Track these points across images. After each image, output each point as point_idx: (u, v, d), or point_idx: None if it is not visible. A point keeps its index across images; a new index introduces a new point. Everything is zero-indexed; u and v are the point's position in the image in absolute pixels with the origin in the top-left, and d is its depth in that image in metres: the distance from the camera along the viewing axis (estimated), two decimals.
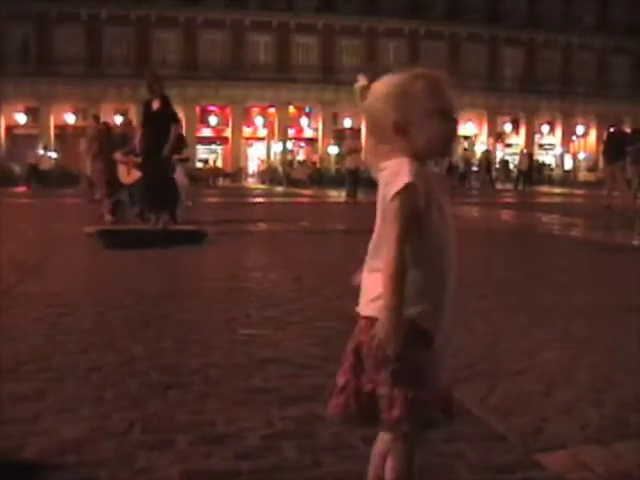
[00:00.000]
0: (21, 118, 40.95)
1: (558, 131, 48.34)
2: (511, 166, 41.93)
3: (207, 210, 14.43)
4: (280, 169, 41.17)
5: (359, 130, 32.30)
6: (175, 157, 10.30)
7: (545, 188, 34.35)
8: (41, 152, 35.34)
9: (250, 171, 45.39)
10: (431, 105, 1.55)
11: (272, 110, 43.32)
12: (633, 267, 6.56)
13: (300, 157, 45.46)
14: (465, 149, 43.55)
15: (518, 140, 46.93)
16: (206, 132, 43.66)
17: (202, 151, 43.19)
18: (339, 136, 39.86)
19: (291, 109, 43.53)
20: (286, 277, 5.75)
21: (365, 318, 1.57)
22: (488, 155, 36.83)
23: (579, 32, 45.56)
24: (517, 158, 37.59)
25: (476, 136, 46.46)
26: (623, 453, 2.19)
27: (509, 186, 33.82)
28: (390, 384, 1.53)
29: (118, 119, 37.96)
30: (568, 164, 48.53)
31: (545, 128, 48.10)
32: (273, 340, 3.57)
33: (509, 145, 47.47)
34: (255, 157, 45.73)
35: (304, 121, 44.62)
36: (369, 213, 1.63)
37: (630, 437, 2.32)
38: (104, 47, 41.03)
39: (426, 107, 1.55)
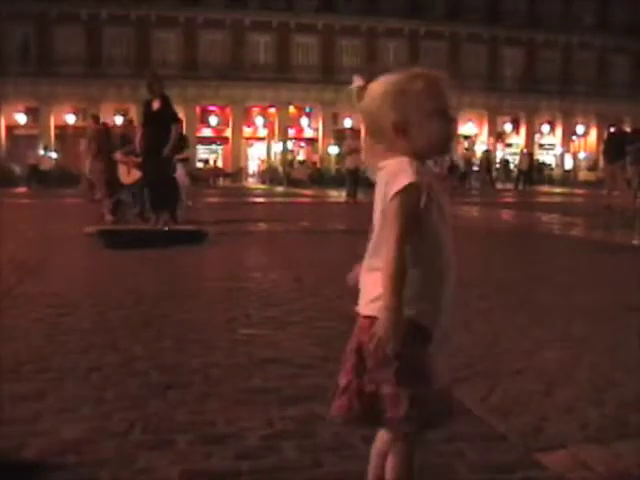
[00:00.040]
0: (21, 118, 40.96)
1: (558, 131, 48.34)
2: (511, 166, 41.92)
3: (207, 210, 14.43)
4: (280, 169, 41.18)
5: (359, 130, 32.26)
6: (175, 157, 10.30)
7: (545, 188, 34.35)
8: (41, 152, 35.36)
9: (250, 171, 45.40)
10: (430, 105, 1.55)
11: (272, 110, 43.33)
12: (633, 267, 6.55)
13: (300, 157, 45.47)
14: (466, 149, 43.58)
15: (518, 140, 46.94)
16: (206, 132, 43.67)
17: (202, 151, 43.19)
18: (339, 136, 39.84)
19: (291, 109, 43.53)
20: (286, 277, 5.75)
21: (365, 318, 1.57)
22: (488, 155, 36.83)
23: (579, 32, 45.56)
24: (517, 158, 37.59)
25: (476, 136, 46.48)
26: (623, 452, 2.19)
27: (509, 186, 33.81)
28: (393, 383, 1.53)
29: (118, 119, 38.09)
30: (568, 164, 48.53)
31: (545, 128, 48.11)
32: (273, 340, 3.57)
33: (509, 145, 47.48)
34: (255, 157, 45.73)
35: (304, 121, 44.63)
36: (369, 213, 1.63)
37: (630, 437, 2.32)
38: (104, 47, 41.04)
39: (425, 107, 1.55)
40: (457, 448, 2.19)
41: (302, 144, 46.00)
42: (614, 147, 15.30)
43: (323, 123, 43.79)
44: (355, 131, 28.14)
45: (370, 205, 1.61)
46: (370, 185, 1.61)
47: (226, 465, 2.09)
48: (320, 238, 9.46)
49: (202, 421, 2.43)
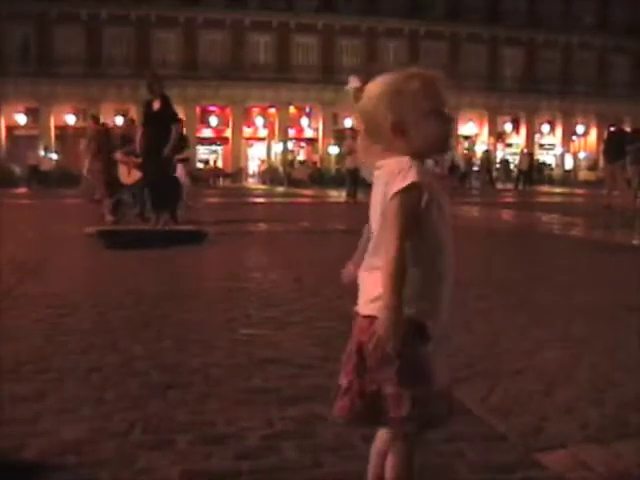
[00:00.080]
0: (21, 119, 40.95)
1: (558, 131, 48.34)
2: (511, 166, 41.91)
3: (207, 210, 14.43)
4: (280, 169, 41.19)
5: (359, 130, 32.27)
6: (175, 157, 10.31)
7: (545, 188, 34.34)
8: (41, 153, 35.35)
9: (250, 171, 45.39)
10: (428, 104, 1.56)
11: (272, 110, 43.33)
12: (633, 266, 6.55)
13: (300, 157, 45.48)
14: (466, 149, 43.61)
15: (518, 140, 46.95)
16: (206, 132, 43.67)
17: (202, 151, 43.20)
18: (339, 136, 39.81)
19: (291, 109, 43.53)
20: (286, 277, 5.76)
21: (365, 317, 1.57)
22: (488, 155, 36.85)
23: (579, 32, 45.58)
24: (517, 158, 37.59)
25: (477, 136, 46.49)
26: (623, 452, 2.19)
27: (509, 186, 33.80)
28: (395, 383, 1.53)
29: (119, 119, 38.08)
30: (568, 164, 48.53)
31: (545, 128, 48.11)
32: (273, 340, 3.57)
33: (509, 145, 47.47)
34: (255, 157, 45.73)
35: (304, 121, 44.63)
36: (369, 213, 1.63)
37: (630, 436, 2.32)
38: (104, 47, 41.04)
39: (423, 106, 1.56)
40: (457, 448, 2.19)
41: (302, 144, 46.01)
42: (614, 147, 15.30)
43: (323, 123, 43.79)
44: (355, 131, 28.11)
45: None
46: (370, 185, 1.61)
47: (226, 465, 2.09)
48: (320, 238, 9.46)
49: (202, 421, 2.43)
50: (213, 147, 44.57)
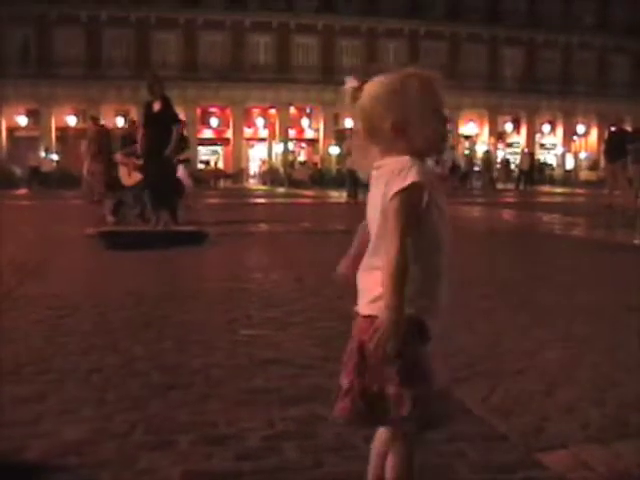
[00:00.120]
0: (22, 120, 40.95)
1: (559, 130, 48.31)
2: (512, 166, 41.90)
3: (208, 211, 14.43)
4: (281, 170, 41.16)
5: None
6: (176, 158, 10.30)
7: (546, 188, 34.32)
8: (42, 154, 35.35)
9: (251, 172, 45.37)
10: (427, 104, 1.57)
11: (273, 111, 43.32)
12: (635, 266, 6.55)
13: (301, 158, 45.45)
14: (468, 149, 43.61)
15: (519, 140, 46.91)
16: (207, 133, 43.66)
17: (203, 152, 43.19)
18: (340, 137, 39.87)
19: (292, 110, 43.51)
20: (287, 278, 5.76)
21: (366, 317, 1.57)
22: (489, 155, 36.85)
23: (579, 32, 45.54)
24: (518, 158, 37.57)
25: (477, 136, 46.47)
26: (624, 453, 2.19)
27: (510, 186, 33.78)
28: (396, 383, 1.53)
29: (119, 121, 38.12)
30: (569, 163, 48.50)
31: (546, 127, 48.08)
32: (274, 341, 3.57)
33: (510, 145, 47.43)
34: (256, 158, 45.70)
35: (305, 122, 44.62)
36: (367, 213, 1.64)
37: (631, 437, 2.32)
38: (104, 49, 41.02)
39: (423, 106, 1.56)
40: (458, 448, 2.19)
41: (303, 145, 45.98)
42: (615, 146, 15.29)
43: (324, 124, 43.77)
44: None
45: None
46: None
47: (227, 466, 2.09)
48: (321, 239, 9.45)
49: (203, 422, 2.43)
50: (214, 148, 44.56)
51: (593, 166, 44.70)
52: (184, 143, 11.49)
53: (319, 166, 42.96)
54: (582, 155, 48.38)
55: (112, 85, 39.45)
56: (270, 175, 41.01)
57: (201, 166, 40.37)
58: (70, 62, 39.95)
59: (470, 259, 6.69)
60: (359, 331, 1.58)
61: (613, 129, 16.68)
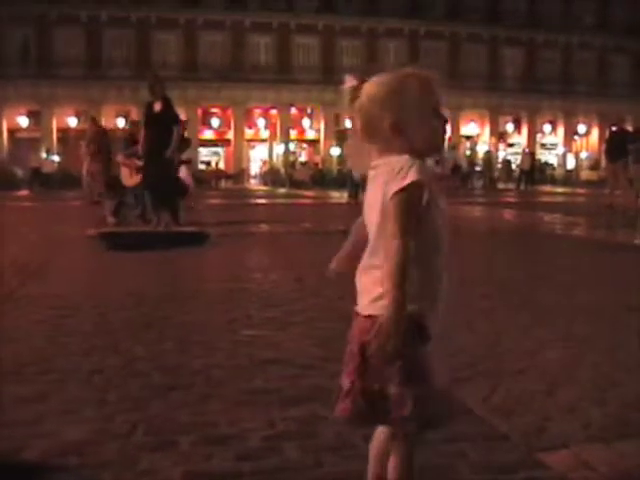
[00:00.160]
0: (23, 121, 40.98)
1: (560, 130, 48.30)
2: (513, 166, 41.88)
3: (209, 212, 14.43)
4: (282, 170, 41.15)
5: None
6: (179, 157, 10.30)
7: (547, 187, 34.29)
8: (43, 155, 35.36)
9: (252, 173, 45.38)
10: (427, 104, 1.58)
11: (274, 111, 43.32)
12: (635, 266, 6.55)
13: (302, 158, 45.45)
14: (469, 149, 43.60)
15: (520, 140, 46.90)
16: (208, 134, 43.67)
17: (204, 153, 43.21)
18: (341, 137, 39.84)
19: (293, 110, 43.50)
20: (287, 278, 5.76)
21: (367, 317, 1.57)
22: (490, 155, 36.85)
23: (579, 32, 45.54)
24: (519, 158, 37.55)
25: (478, 136, 46.46)
26: (626, 452, 2.19)
27: (511, 186, 33.77)
28: (397, 383, 1.52)
29: (120, 121, 38.15)
30: (570, 163, 48.48)
31: (547, 127, 48.08)
32: (274, 341, 3.57)
33: (511, 145, 47.43)
34: (257, 159, 45.72)
35: (306, 122, 44.62)
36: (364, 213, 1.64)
37: (633, 436, 2.32)
38: (104, 49, 41.03)
39: (423, 106, 1.57)
40: (459, 448, 2.19)
41: (304, 145, 45.99)
42: (616, 146, 15.28)
43: (325, 124, 43.76)
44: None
45: None
46: None
47: (228, 466, 2.10)
48: (322, 239, 9.44)
49: (204, 422, 2.43)
50: (215, 149, 44.56)
51: (594, 166, 44.68)
52: (185, 144, 11.49)
53: (320, 167, 42.96)
54: (583, 155, 48.36)
55: (113, 85, 39.46)
56: (271, 176, 41.00)
57: (202, 167, 40.36)
58: (70, 62, 39.96)
59: (471, 259, 6.69)
60: (360, 331, 1.58)
61: (614, 129, 16.67)
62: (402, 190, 1.47)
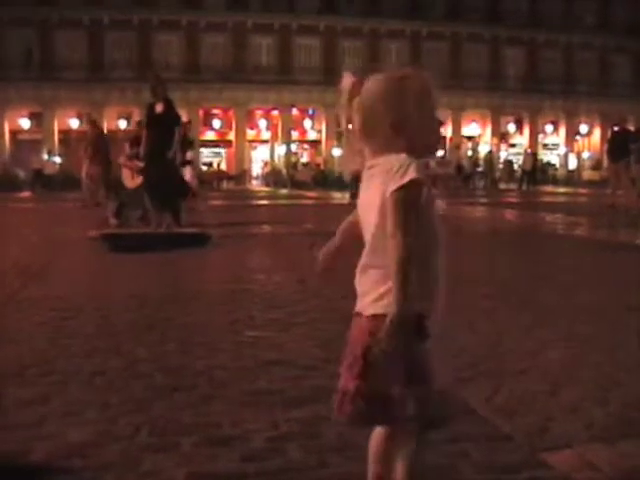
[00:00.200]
0: (25, 123, 41.07)
1: (562, 130, 48.27)
2: (515, 166, 41.86)
3: (211, 213, 14.43)
4: (284, 171, 41.16)
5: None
6: (184, 157, 10.31)
7: (549, 188, 34.28)
8: (45, 157, 35.42)
9: (254, 174, 45.41)
10: (426, 104, 1.58)
11: (275, 112, 43.34)
12: (637, 266, 6.54)
13: (304, 159, 45.47)
14: (472, 150, 43.59)
15: (522, 140, 46.88)
16: (210, 135, 43.71)
17: (206, 154, 43.23)
18: (342, 138, 39.77)
19: (294, 111, 43.51)
20: (290, 279, 5.76)
21: (370, 317, 1.56)
22: (492, 155, 36.85)
23: (580, 32, 45.52)
24: (521, 158, 37.53)
25: (480, 136, 46.44)
26: (629, 452, 2.19)
27: (513, 186, 33.74)
28: (400, 382, 1.52)
29: (122, 123, 38.19)
30: (572, 163, 48.45)
31: (549, 128, 48.05)
32: (277, 342, 3.57)
33: (513, 145, 47.41)
34: (259, 160, 45.76)
35: (307, 123, 44.64)
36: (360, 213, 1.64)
37: (635, 436, 2.32)
38: (106, 51, 41.11)
39: (421, 106, 1.57)
40: (462, 448, 2.19)
41: (305, 146, 46.01)
42: (618, 146, 15.28)
43: (326, 125, 43.76)
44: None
45: None
46: None
47: (231, 467, 2.10)
48: (324, 240, 9.42)
49: (207, 423, 2.43)
50: (216, 150, 44.58)
51: (596, 166, 44.65)
52: (188, 145, 11.49)
53: (322, 167, 42.97)
54: (585, 155, 48.34)
55: (115, 87, 39.52)
56: (273, 177, 41.02)
57: (204, 168, 40.38)
58: (73, 65, 40.04)
59: (473, 259, 6.69)
60: (362, 332, 1.57)
61: (616, 129, 16.66)
62: (401, 188, 1.47)
